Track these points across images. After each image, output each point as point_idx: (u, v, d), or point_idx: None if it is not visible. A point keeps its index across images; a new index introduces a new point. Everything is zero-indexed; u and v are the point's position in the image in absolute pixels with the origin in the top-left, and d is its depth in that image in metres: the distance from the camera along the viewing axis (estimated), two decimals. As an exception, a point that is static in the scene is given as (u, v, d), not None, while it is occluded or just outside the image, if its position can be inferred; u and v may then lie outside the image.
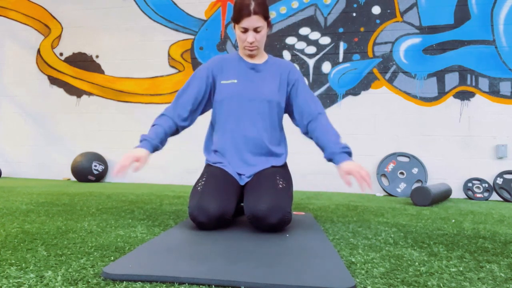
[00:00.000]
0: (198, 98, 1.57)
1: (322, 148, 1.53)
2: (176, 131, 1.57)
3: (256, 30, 1.48)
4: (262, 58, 1.63)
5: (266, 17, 1.49)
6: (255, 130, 1.53)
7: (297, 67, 4.14)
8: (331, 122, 1.57)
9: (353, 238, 1.34)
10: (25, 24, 4.82)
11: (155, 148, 1.47)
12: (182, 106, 1.55)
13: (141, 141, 1.46)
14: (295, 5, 4.21)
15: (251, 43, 1.50)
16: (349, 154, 1.48)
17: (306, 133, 1.61)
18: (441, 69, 3.87)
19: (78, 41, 4.67)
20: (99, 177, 4.24)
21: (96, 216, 1.65)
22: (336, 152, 1.46)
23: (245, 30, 1.48)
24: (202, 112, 1.64)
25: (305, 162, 3.98)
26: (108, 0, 4.63)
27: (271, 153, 1.57)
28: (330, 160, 1.50)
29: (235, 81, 1.56)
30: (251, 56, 1.59)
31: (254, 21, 1.45)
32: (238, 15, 1.46)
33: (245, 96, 1.54)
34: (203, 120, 1.71)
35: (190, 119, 1.58)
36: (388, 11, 4.02)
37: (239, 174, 1.55)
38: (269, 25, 1.55)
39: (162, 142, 1.50)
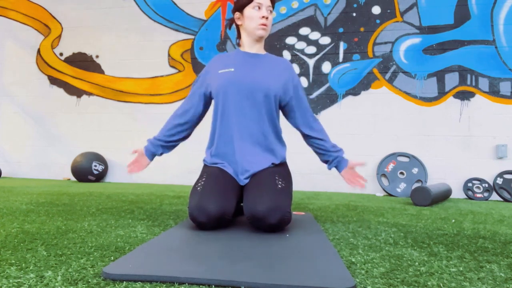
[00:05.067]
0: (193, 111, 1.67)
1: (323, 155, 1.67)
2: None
3: (268, 9, 1.55)
4: (263, 52, 1.65)
5: (273, 8, 1.59)
6: (252, 120, 1.52)
7: (297, 67, 4.14)
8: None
9: (353, 238, 1.34)
10: (25, 24, 4.82)
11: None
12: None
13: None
14: (295, 5, 4.21)
15: (265, 17, 1.52)
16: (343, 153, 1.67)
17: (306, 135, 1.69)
18: (441, 69, 3.87)
19: (78, 41, 4.67)
20: (99, 177, 4.24)
21: (96, 216, 1.65)
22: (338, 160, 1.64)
23: (259, 7, 1.52)
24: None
25: (305, 162, 3.97)
26: (108, 0, 4.63)
27: (269, 145, 1.55)
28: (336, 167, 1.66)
29: (232, 69, 1.55)
30: (260, 40, 1.59)
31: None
32: None
33: (241, 83, 1.52)
34: (204, 120, 1.70)
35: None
36: (388, 11, 4.02)
37: (239, 170, 1.53)
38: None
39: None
